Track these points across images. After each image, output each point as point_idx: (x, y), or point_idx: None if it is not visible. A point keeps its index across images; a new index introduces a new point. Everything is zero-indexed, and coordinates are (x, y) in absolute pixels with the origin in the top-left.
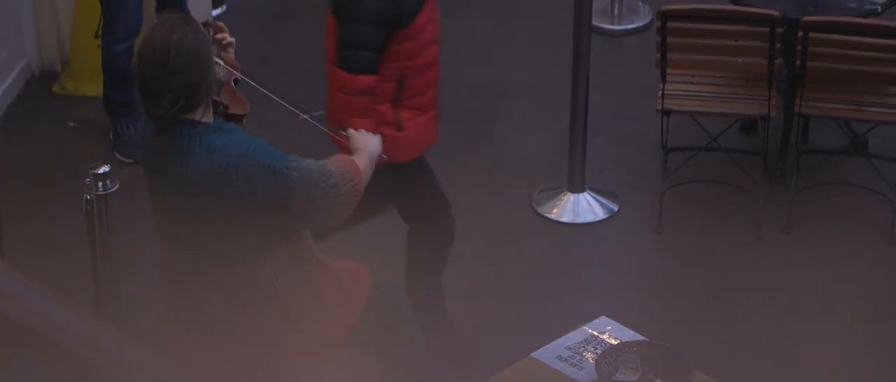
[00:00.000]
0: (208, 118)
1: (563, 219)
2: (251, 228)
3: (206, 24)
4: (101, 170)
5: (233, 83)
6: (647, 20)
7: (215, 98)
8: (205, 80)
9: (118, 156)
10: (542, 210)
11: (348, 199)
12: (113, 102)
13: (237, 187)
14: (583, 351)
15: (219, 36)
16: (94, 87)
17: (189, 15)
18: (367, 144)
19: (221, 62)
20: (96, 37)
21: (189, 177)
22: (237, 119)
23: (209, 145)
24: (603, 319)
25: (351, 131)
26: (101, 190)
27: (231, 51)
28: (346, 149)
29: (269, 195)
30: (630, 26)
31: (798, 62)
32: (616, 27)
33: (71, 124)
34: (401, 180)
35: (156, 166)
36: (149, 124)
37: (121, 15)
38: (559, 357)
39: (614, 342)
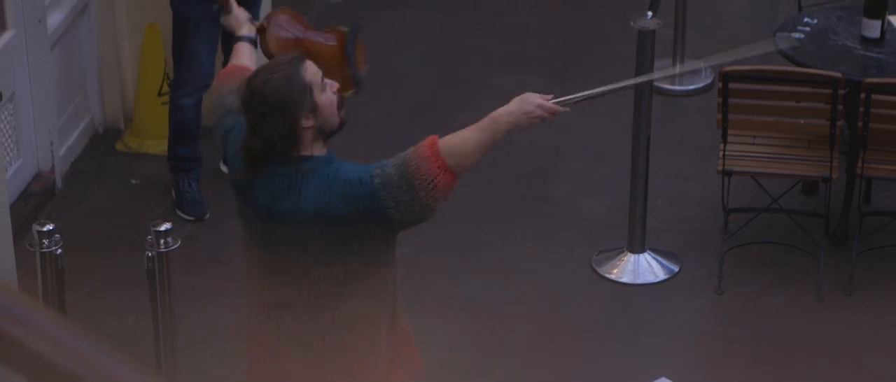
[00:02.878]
0: (317, 151)
1: (624, 280)
2: (343, 257)
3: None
4: (162, 228)
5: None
6: (708, 81)
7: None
8: (286, 131)
9: (180, 213)
10: (602, 270)
11: (427, 200)
12: (177, 157)
13: (339, 209)
14: None
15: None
16: (156, 145)
17: (295, 58)
18: (506, 108)
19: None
20: (159, 95)
21: (296, 211)
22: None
23: (321, 175)
24: (663, 380)
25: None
26: (162, 247)
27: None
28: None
29: (366, 208)
30: (691, 87)
31: (860, 124)
32: (677, 88)
33: (133, 181)
34: None
35: (247, 198)
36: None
37: (191, 69)
38: None
39: None
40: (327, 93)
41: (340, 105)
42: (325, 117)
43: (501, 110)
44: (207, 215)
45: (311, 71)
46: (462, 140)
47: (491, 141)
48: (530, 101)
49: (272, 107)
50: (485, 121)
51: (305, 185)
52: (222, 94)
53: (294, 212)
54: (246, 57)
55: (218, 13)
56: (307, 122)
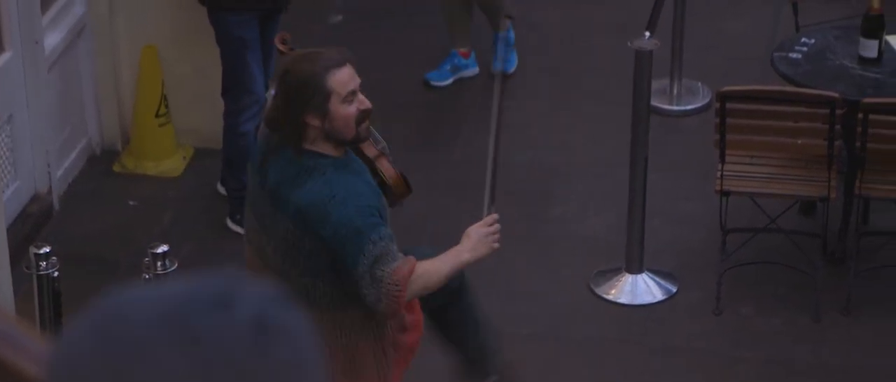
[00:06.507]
0: (326, 150)
1: (621, 300)
2: (327, 274)
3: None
4: (159, 250)
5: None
6: (706, 101)
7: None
8: (289, 119)
9: (232, 225)
10: (600, 291)
11: (386, 301)
12: (236, 188)
13: (327, 226)
14: None
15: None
16: (154, 166)
17: (336, 60)
18: (468, 247)
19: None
20: (156, 116)
21: (292, 201)
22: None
23: (328, 179)
24: None
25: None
26: (160, 269)
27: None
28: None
29: (344, 252)
30: (689, 107)
31: (858, 143)
32: (675, 108)
33: (131, 203)
34: None
35: (262, 174)
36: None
37: (251, 90)
38: None
39: None
40: (349, 107)
41: (361, 121)
42: (334, 125)
43: (463, 246)
44: None
45: (339, 80)
46: (432, 271)
47: (451, 273)
48: (474, 235)
49: (284, 93)
50: (450, 255)
51: (310, 181)
52: None
53: (292, 203)
54: None
55: (263, 34)
56: (313, 121)
